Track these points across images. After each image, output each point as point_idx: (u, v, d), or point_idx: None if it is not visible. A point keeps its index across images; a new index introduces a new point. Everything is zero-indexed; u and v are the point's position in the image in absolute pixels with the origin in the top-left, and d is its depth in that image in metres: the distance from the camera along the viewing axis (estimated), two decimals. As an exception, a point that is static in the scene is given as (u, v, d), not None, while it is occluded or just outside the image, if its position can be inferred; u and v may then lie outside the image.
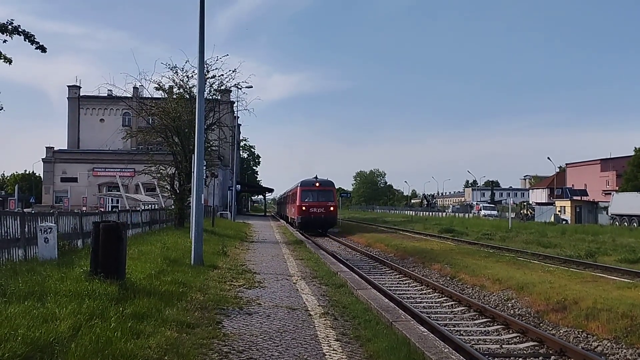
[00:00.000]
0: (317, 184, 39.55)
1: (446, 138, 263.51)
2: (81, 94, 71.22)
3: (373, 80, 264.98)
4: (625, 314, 10.43)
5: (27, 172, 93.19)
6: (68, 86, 72.64)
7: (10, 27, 9.22)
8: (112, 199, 49.16)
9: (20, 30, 7.71)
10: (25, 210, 18.64)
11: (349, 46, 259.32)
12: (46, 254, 12.35)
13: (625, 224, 49.51)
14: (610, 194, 66.37)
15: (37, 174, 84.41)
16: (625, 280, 15.55)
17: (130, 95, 32.12)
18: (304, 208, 38.30)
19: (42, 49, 7.48)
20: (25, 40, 7.52)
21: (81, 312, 7.09)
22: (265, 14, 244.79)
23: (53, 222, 13.83)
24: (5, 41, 9.80)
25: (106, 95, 61.13)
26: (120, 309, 7.59)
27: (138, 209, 28.28)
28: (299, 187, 40.12)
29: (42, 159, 65.28)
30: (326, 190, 39.55)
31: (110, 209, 40.93)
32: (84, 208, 45.46)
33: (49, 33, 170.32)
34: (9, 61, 11.61)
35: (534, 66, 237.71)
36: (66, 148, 69.40)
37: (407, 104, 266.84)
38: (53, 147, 66.05)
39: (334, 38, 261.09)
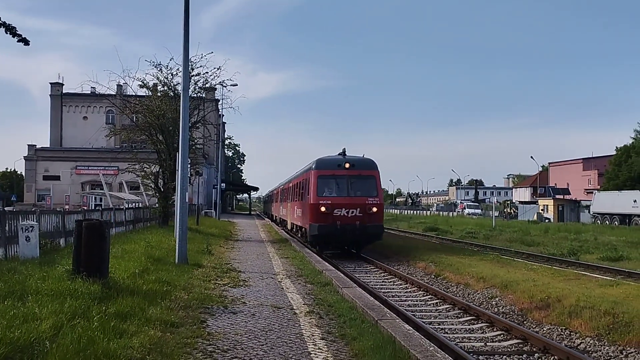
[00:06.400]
0: (347, 165, 22.10)
1: (431, 137, 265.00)
2: (64, 91, 70.37)
3: (359, 80, 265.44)
4: (608, 312, 10.52)
5: (9, 170, 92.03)
6: (50, 83, 71.84)
7: None
8: (95, 198, 48.65)
9: (0, 22, 7.49)
10: (6, 208, 18.40)
11: (334, 46, 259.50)
12: (27, 252, 12.22)
13: (607, 222, 50.15)
14: (592, 192, 67.19)
15: (18, 172, 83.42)
16: (607, 278, 15.72)
17: (113, 93, 31.73)
18: (322, 209, 21.39)
19: (25, 41, 7.27)
20: (6, 33, 7.30)
21: (63, 311, 7.00)
22: (251, 13, 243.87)
23: (35, 220, 13.68)
24: None
25: (89, 92, 60.78)
26: (103, 308, 7.52)
27: (122, 207, 28.01)
28: (312, 172, 22.59)
29: (24, 156, 64.45)
30: (364, 177, 22.27)
31: (93, 208, 40.53)
32: (67, 206, 44.96)
33: (31, 30, 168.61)
34: None
35: (517, 67, 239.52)
36: (49, 146, 68.61)
37: (393, 103, 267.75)
38: (35, 145, 65.26)
39: (320, 38, 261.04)
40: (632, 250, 23.68)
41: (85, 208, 38.78)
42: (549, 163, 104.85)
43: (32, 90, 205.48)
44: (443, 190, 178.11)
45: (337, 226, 21.13)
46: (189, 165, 18.21)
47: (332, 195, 21.90)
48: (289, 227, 31.75)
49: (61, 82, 71.68)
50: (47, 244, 13.94)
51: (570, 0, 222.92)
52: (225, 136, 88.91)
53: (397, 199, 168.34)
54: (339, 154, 22.93)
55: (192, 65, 24.98)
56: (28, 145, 64.61)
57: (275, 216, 45.86)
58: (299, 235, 26.68)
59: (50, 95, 71.85)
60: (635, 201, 47.47)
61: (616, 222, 48.85)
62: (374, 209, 21.67)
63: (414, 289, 15.63)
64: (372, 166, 22.78)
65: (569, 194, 76.99)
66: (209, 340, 7.01)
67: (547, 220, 57.59)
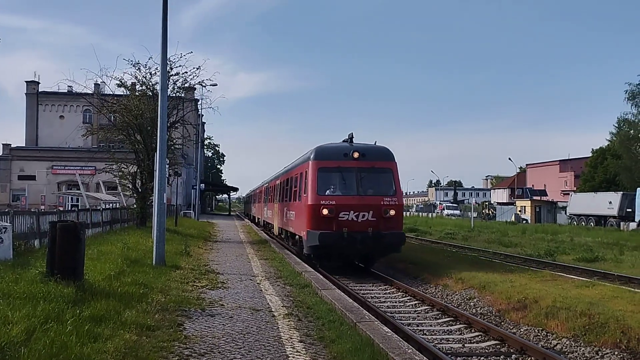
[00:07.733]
0: (356, 155, 17.51)
1: (410, 138, 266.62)
2: (40, 90, 69.22)
3: (339, 81, 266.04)
4: (584, 313, 10.62)
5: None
6: (26, 81, 70.55)
7: None
8: (71, 198, 47.95)
9: None
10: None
11: (314, 47, 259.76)
12: (0, 254, 11.97)
13: (583, 223, 50.87)
14: (568, 194, 68.12)
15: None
16: (583, 279, 15.89)
17: (91, 92, 31.26)
18: (324, 212, 16.72)
19: (-5, 36, 7.02)
20: None
21: (35, 315, 6.86)
22: (230, 13, 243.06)
23: (8, 221, 13.44)
24: None
25: (66, 91, 59.84)
26: (77, 311, 7.38)
27: (98, 208, 27.64)
28: (310, 164, 17.72)
29: (-1, 156, 63.33)
30: (378, 170, 17.73)
31: (69, 208, 39.94)
32: (43, 207, 44.29)
33: (6, 27, 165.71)
34: None
35: (495, 69, 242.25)
36: (24, 145, 67.46)
37: (372, 104, 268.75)
38: (10, 144, 64.08)
39: (299, 38, 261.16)
40: (607, 251, 24.04)
41: (62, 209, 38.20)
42: (527, 165, 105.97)
43: (7, 88, 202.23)
44: (422, 191, 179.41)
45: (343, 234, 16.38)
46: (167, 166, 18.02)
47: (337, 194, 17.20)
48: (275, 232, 26.49)
49: (37, 80, 70.58)
50: (21, 246, 13.70)
51: (549, 3, 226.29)
52: (205, 136, 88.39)
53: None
54: (344, 141, 18.33)
55: (171, 65, 24.68)
56: (3, 144, 63.50)
57: (258, 218, 40.69)
58: (290, 243, 21.78)
59: (25, 93, 70.61)
60: (610, 202, 48.20)
61: (592, 223, 49.57)
62: (392, 212, 17.05)
63: (392, 290, 15.64)
64: (389, 156, 18.08)
65: (546, 195, 77.94)
66: (185, 344, 6.92)
67: (524, 221, 58.26)
